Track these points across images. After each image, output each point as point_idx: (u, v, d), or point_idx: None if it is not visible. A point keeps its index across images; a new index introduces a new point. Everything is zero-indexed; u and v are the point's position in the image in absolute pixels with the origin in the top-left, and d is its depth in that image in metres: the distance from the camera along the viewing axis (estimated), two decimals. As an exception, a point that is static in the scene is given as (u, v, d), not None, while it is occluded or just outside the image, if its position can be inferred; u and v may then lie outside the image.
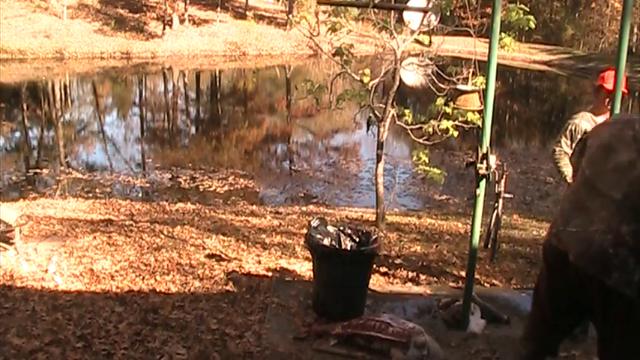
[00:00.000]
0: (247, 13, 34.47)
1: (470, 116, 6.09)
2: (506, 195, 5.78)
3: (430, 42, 7.10)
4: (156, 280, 4.45)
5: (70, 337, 3.39)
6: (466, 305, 3.68)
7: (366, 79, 6.57)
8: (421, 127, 6.57)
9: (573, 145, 4.08)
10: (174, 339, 3.42)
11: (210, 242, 5.61)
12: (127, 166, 11.61)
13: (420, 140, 6.73)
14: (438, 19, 6.14)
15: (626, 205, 2.15)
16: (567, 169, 4.08)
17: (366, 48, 21.17)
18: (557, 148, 4.12)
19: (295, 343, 3.44)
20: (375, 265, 4.37)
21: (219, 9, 33.33)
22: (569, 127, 4.08)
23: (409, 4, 5.69)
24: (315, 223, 3.95)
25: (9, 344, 3.25)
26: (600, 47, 39.75)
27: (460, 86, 5.66)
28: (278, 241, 5.82)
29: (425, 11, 5.65)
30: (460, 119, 6.23)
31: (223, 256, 5.15)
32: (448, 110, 6.23)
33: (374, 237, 3.92)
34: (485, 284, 4.80)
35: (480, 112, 4.72)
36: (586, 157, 2.38)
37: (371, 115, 6.80)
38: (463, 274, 4.51)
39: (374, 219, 7.03)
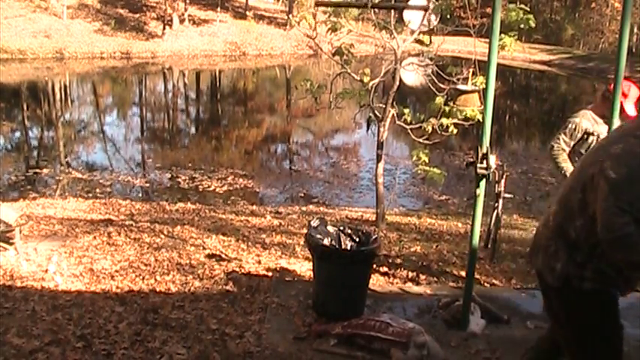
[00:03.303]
0: (247, 13, 34.47)
1: (469, 112, 6.07)
2: (507, 195, 5.77)
3: (430, 41, 7.08)
4: (156, 280, 4.45)
5: (70, 337, 3.39)
6: (466, 305, 3.68)
7: (366, 79, 6.57)
8: (421, 127, 6.57)
9: (572, 144, 4.08)
10: (174, 339, 3.42)
11: (210, 242, 5.61)
12: (127, 166, 11.61)
13: (420, 140, 6.72)
14: (438, 19, 6.14)
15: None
16: (566, 165, 4.07)
17: (366, 48, 21.14)
18: (556, 145, 4.11)
19: (295, 343, 3.44)
20: (375, 265, 4.37)
21: (219, 9, 33.33)
22: (570, 126, 4.07)
23: (409, 2, 5.68)
24: (315, 223, 3.96)
25: (9, 344, 3.25)
26: (600, 47, 39.73)
27: (460, 86, 5.65)
28: (278, 241, 5.82)
29: (425, 9, 5.63)
30: (459, 117, 6.22)
31: (223, 256, 5.15)
32: (447, 110, 6.23)
33: (374, 237, 3.92)
34: (485, 284, 4.80)
35: (480, 111, 4.72)
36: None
37: (371, 114, 6.80)
38: (463, 274, 4.50)
39: (374, 219, 7.03)
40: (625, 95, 3.82)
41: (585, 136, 4.05)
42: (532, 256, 2.47)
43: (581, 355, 2.39)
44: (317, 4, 5.85)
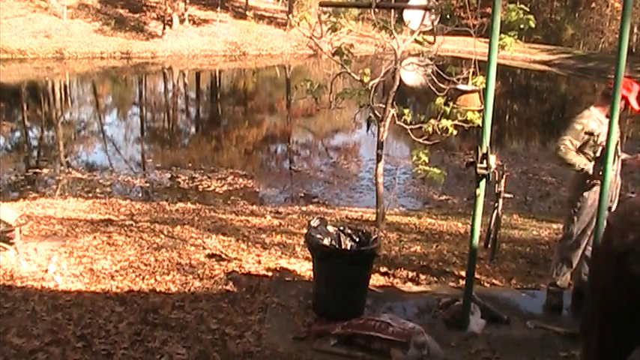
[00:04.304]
0: (247, 13, 34.44)
1: (470, 116, 6.08)
2: (506, 195, 5.77)
3: (434, 40, 7.04)
4: (156, 280, 4.45)
5: (70, 337, 3.39)
6: (466, 305, 3.68)
7: (366, 79, 6.57)
8: (421, 127, 6.57)
9: (578, 145, 4.04)
10: (174, 339, 3.42)
11: (210, 242, 5.61)
12: (127, 166, 11.61)
13: (420, 140, 6.72)
14: (438, 19, 6.14)
15: None
16: (578, 159, 4.00)
17: (366, 48, 21.17)
18: (562, 145, 4.03)
19: (295, 343, 3.44)
20: (375, 265, 4.37)
21: (219, 9, 33.32)
22: (577, 127, 4.01)
23: (410, 2, 5.69)
24: (315, 223, 3.96)
25: (9, 344, 3.25)
26: (600, 47, 39.72)
27: (460, 86, 5.65)
28: (278, 241, 5.82)
29: (426, 9, 5.64)
30: (460, 119, 6.22)
31: (223, 256, 5.15)
32: (448, 110, 6.23)
33: (374, 237, 3.93)
34: (486, 284, 4.80)
35: (480, 111, 4.72)
36: None
37: (371, 114, 6.80)
38: (463, 274, 4.50)
39: (374, 219, 7.03)
40: (629, 90, 3.81)
41: (590, 137, 4.01)
42: (627, 208, 2.37)
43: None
44: (321, 5, 5.86)
